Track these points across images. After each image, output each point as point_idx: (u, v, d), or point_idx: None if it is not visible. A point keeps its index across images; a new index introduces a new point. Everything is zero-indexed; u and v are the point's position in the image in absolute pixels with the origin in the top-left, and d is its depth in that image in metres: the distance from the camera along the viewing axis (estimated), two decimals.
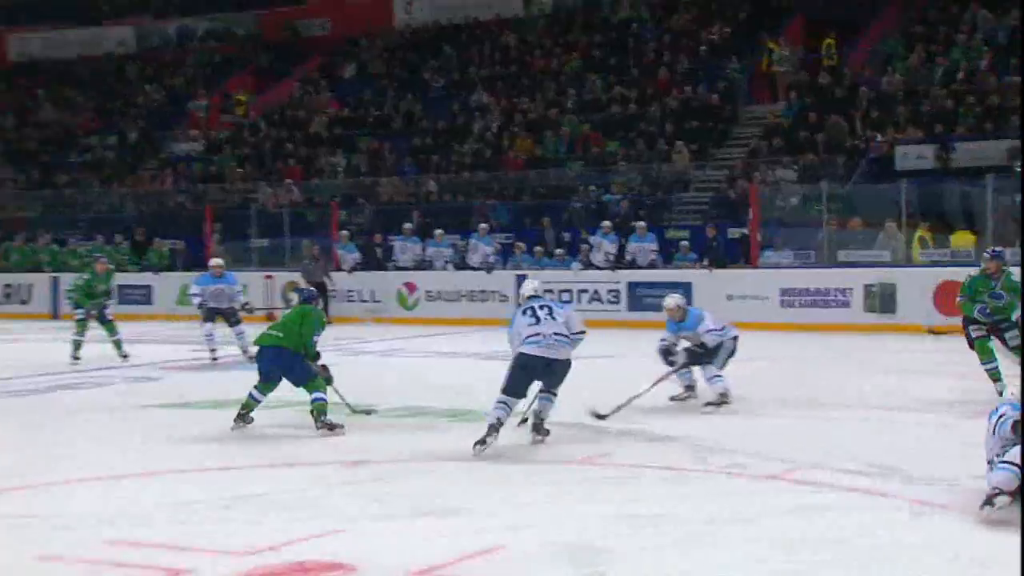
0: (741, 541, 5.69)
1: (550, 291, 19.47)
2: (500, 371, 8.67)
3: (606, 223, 20.32)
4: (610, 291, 19.36)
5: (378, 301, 21.02)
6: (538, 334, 8.41)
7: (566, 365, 8.52)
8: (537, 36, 29.51)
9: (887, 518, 6.12)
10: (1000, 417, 6.23)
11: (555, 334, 8.44)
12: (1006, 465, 5.95)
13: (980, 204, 17.48)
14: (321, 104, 29.65)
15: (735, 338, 10.24)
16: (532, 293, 8.94)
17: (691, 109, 24.18)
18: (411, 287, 20.81)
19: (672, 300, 10.39)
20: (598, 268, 19.88)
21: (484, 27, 30.89)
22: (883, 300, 16.82)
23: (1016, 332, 10.09)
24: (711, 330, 10.11)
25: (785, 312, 17.55)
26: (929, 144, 20.03)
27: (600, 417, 9.15)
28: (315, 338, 9.25)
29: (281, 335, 9.16)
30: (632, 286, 19.13)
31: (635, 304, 18.86)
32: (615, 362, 13.46)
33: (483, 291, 20.28)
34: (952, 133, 20.15)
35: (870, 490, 6.78)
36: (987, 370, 10.19)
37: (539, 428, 8.58)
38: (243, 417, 9.09)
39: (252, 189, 26.14)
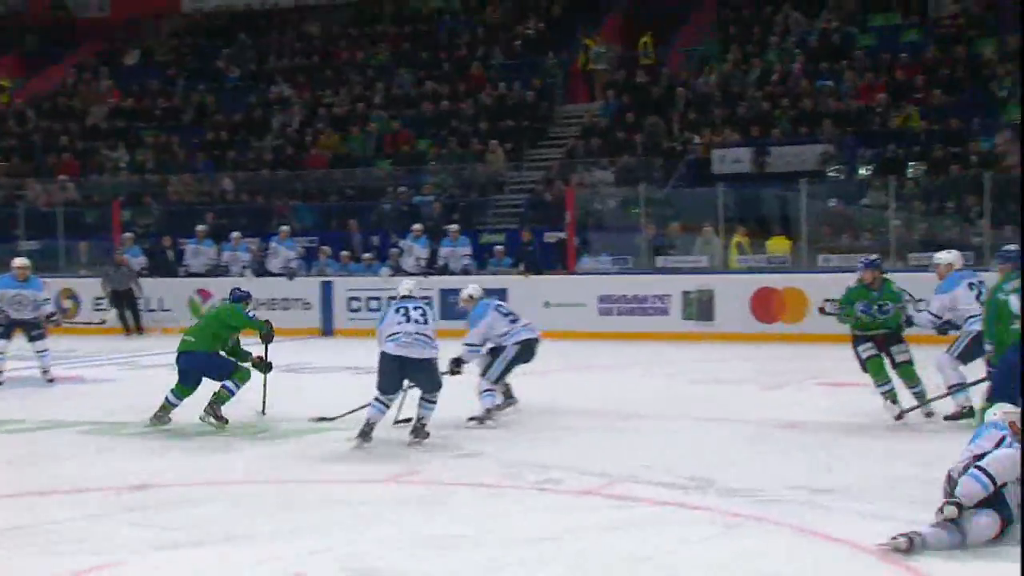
0: (554, 559, 5.79)
1: (357, 299, 19.65)
2: (304, 383, 8.61)
3: (417, 226, 20.28)
4: (422, 298, 19.21)
5: (167, 310, 20.38)
6: (398, 332, 8.96)
7: (427, 365, 8.98)
8: (342, 26, 29.30)
9: (701, 532, 6.34)
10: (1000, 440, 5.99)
11: (417, 333, 8.96)
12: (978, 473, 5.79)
13: (795, 209, 18.26)
14: (99, 93, 28.64)
15: (521, 343, 10.18)
16: (407, 293, 9.55)
17: (506, 107, 24.39)
18: (205, 294, 20.27)
19: (466, 291, 10.61)
20: (409, 274, 19.79)
21: (284, 14, 30.45)
22: (700, 307, 17.35)
23: (904, 347, 9.76)
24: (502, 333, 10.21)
25: (603, 320, 17.89)
26: (745, 147, 20.81)
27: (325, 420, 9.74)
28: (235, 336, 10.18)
29: (193, 340, 9.99)
30: (444, 293, 19.14)
31: (448, 312, 18.86)
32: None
33: (285, 299, 19.93)
34: (768, 136, 21.02)
35: (685, 504, 7.00)
36: (882, 392, 9.72)
37: (418, 432, 9.01)
38: (160, 418, 9.71)
39: (19, 185, 25.01)
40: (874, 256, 10.35)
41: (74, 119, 27.83)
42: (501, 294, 18.41)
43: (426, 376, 9.03)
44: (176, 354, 10.03)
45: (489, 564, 5.78)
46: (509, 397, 10.47)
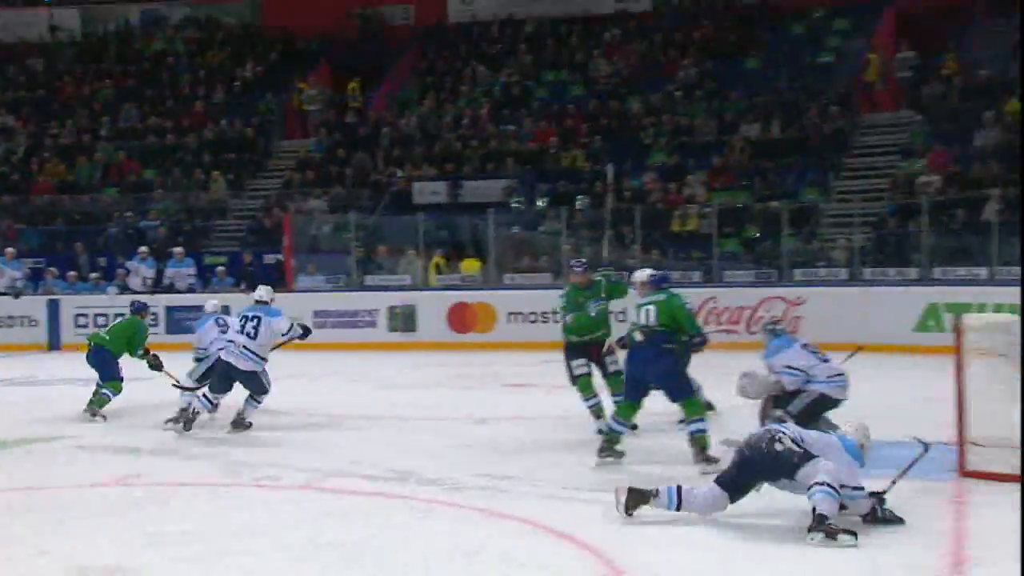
0: (270, 550, 5.65)
1: (84, 315, 18.57)
2: (32, 395, 8.00)
3: (143, 248, 19.50)
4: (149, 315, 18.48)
5: None
6: (233, 341, 9.36)
7: (252, 376, 9.29)
8: (66, 63, 27.62)
9: (402, 518, 6.35)
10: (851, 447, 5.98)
11: (245, 347, 9.24)
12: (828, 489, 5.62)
13: (484, 234, 18.69)
14: None
15: (221, 351, 9.61)
16: (259, 298, 9.75)
17: (227, 141, 23.82)
18: None
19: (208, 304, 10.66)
20: (136, 292, 18.94)
21: (7, 49, 28.33)
22: (405, 320, 17.48)
23: (615, 358, 8.93)
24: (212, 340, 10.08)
25: (319, 333, 17.63)
26: (442, 181, 21.18)
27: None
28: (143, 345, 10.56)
29: (108, 338, 10.53)
30: (170, 310, 18.48)
31: (173, 327, 18.24)
32: (152, 384, 12.86)
33: (11, 316, 18.59)
34: (460, 172, 21.45)
35: (387, 493, 7.00)
36: (589, 407, 8.97)
37: (238, 424, 9.29)
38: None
39: None
40: (583, 260, 9.70)
41: None
42: (225, 310, 17.97)
43: (252, 384, 9.34)
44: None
45: (208, 555, 5.57)
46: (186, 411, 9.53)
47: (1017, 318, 7.99)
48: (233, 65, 26.51)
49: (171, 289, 18.96)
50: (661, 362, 7.57)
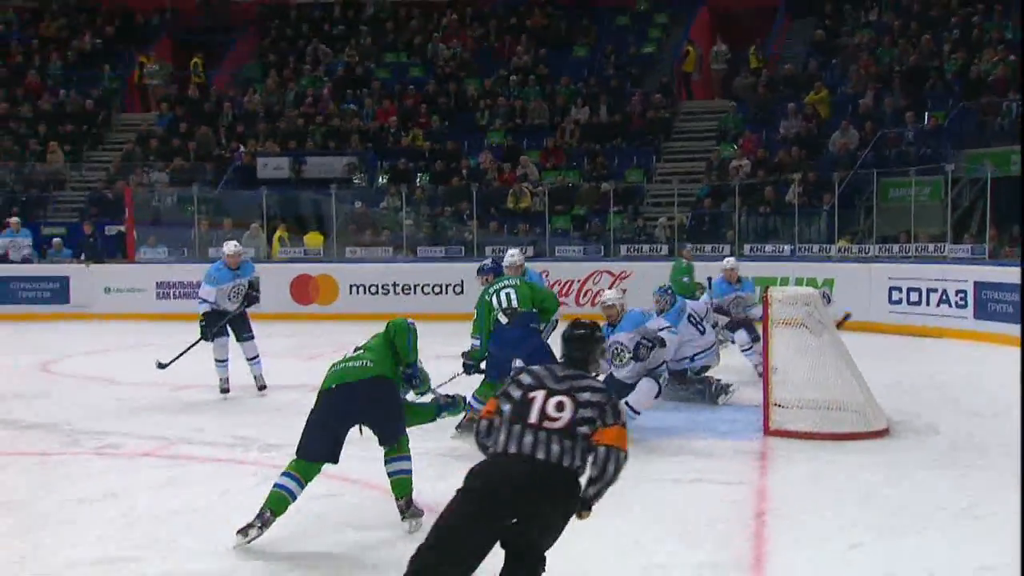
0: (110, 517, 5.42)
1: None
2: None
3: None
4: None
5: None
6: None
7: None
8: None
9: (244, 483, 6.19)
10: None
11: None
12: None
13: (327, 209, 18.37)
14: None
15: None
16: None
17: (65, 113, 22.58)
18: None
19: None
20: None
21: None
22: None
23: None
24: None
25: (161, 303, 17.07)
26: (285, 157, 20.68)
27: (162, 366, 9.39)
28: None
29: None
30: (6, 280, 17.50)
31: (9, 297, 17.29)
32: None
33: None
34: (303, 148, 20.98)
35: (232, 459, 6.82)
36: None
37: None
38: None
39: None
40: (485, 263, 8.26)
41: None
42: (64, 281, 17.18)
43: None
44: None
45: (38, 522, 5.30)
46: None
47: (815, 291, 8.42)
48: (69, 37, 25.10)
49: (6, 260, 17.94)
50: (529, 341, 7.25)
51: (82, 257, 17.96)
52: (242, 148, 21.14)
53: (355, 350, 5.51)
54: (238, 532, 4.96)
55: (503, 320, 7.43)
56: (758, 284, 11.73)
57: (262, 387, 9.68)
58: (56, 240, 18.44)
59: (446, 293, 16.52)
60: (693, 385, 8.90)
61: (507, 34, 23.60)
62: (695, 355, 8.95)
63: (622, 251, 17.26)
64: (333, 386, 5.27)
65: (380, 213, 19.08)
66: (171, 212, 19.49)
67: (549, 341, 7.35)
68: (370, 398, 5.26)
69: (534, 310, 7.46)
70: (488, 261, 8.21)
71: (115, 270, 17.62)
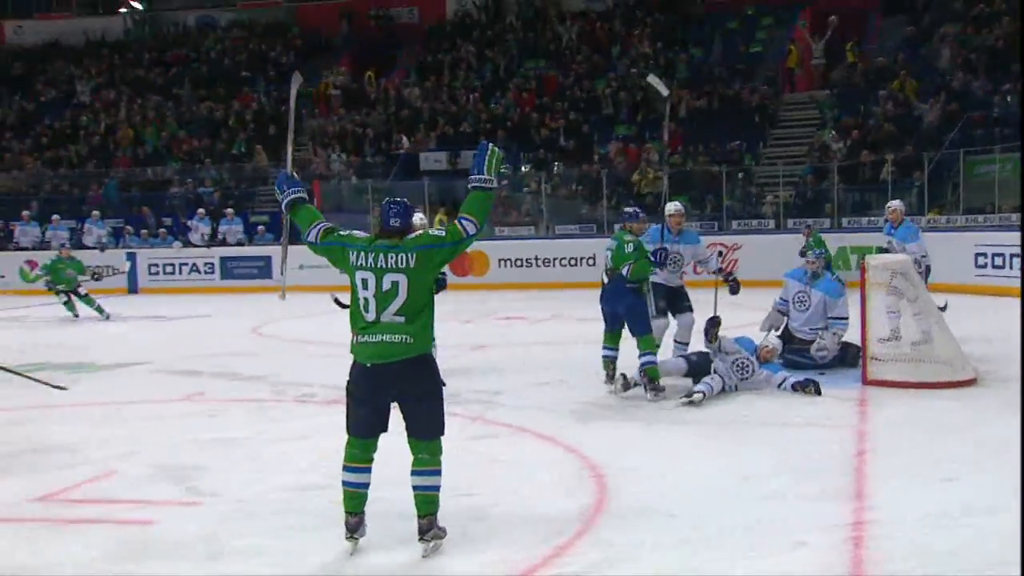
0: (309, 452, 5.65)
1: (155, 265, 18.52)
2: (117, 331, 7.94)
3: (201, 210, 19.47)
4: (206, 264, 18.57)
5: (1, 276, 18.59)
6: None
7: None
8: (138, 56, 27.15)
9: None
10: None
11: None
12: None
13: None
14: None
15: None
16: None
17: (265, 120, 23.37)
18: (32, 264, 18.47)
19: None
20: (196, 246, 18.96)
21: (92, 46, 27.80)
22: None
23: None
24: None
25: (343, 276, 17.59)
26: (442, 151, 20.95)
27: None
28: None
29: None
30: (224, 260, 18.53)
31: (227, 274, 18.31)
32: (211, 320, 12.92)
33: (98, 266, 18.44)
34: (458, 143, 21.17)
35: None
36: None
37: None
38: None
39: None
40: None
41: None
42: (267, 260, 18.01)
43: None
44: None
45: (253, 455, 5.59)
46: None
47: (907, 257, 8.04)
48: (266, 59, 25.96)
49: (223, 243, 18.94)
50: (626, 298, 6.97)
51: (280, 239, 18.72)
52: (404, 138, 21.36)
53: (379, 266, 3.88)
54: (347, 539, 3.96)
55: (604, 279, 7.20)
56: (855, 252, 11.27)
57: None
58: (260, 227, 19.29)
59: (580, 265, 16.51)
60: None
61: (631, 36, 23.22)
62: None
63: (734, 225, 16.86)
64: (368, 364, 3.91)
65: (523, 196, 19.17)
66: (351, 200, 20.10)
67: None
68: (410, 380, 3.90)
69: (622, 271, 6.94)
70: (628, 210, 7.47)
71: (307, 250, 18.24)
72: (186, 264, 18.60)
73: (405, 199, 4.03)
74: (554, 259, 16.77)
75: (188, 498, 4.78)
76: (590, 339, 7.94)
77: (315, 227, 4.12)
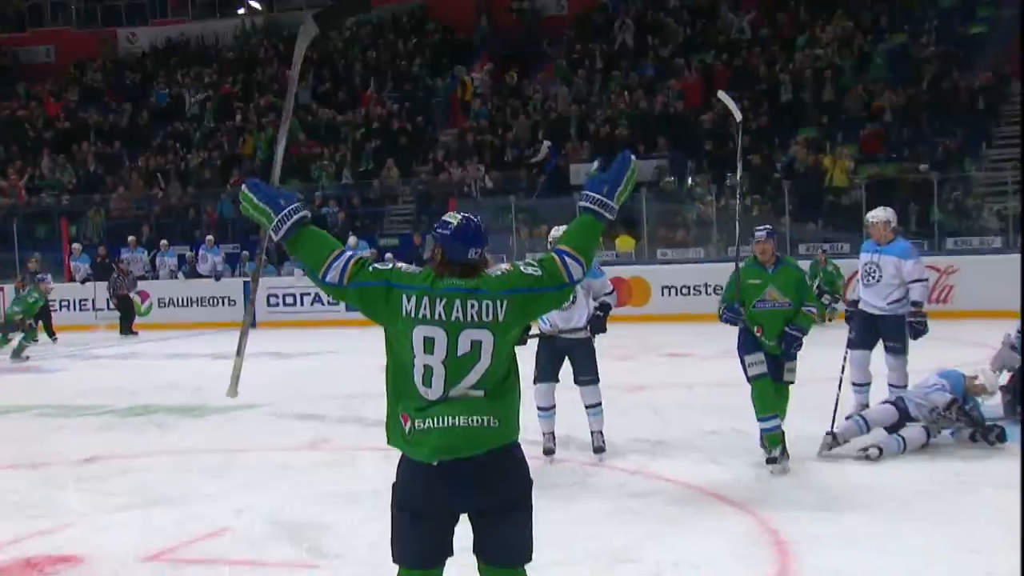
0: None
1: (275, 295, 19.34)
2: (227, 371, 8.28)
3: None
4: None
5: (113, 310, 19.72)
6: None
7: None
8: (254, 55, 28.71)
9: (565, 480, 6.34)
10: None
11: None
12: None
13: (638, 213, 18.48)
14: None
15: None
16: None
17: (395, 131, 23.94)
18: (143, 295, 19.73)
19: None
20: None
21: (207, 48, 29.69)
22: None
23: (794, 365, 6.50)
24: None
25: None
26: (595, 162, 20.88)
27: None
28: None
29: None
30: None
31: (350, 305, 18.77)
32: (336, 357, 13.39)
33: (213, 296, 19.56)
34: (612, 151, 21.07)
35: (547, 458, 6.99)
36: (764, 431, 6.37)
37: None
38: None
39: None
40: (770, 227, 6.88)
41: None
42: None
43: None
44: None
45: (383, 512, 5.63)
46: None
47: None
48: (397, 58, 26.78)
49: None
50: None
51: (412, 264, 19.13)
52: (546, 144, 21.32)
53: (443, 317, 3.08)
54: None
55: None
56: None
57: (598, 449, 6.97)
58: (388, 255, 19.78)
59: None
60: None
61: (818, 23, 22.71)
62: None
63: (948, 244, 16.10)
64: (434, 463, 3.10)
65: (690, 212, 18.95)
66: (492, 219, 20.36)
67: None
68: (496, 481, 3.11)
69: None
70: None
71: None
72: (308, 294, 19.27)
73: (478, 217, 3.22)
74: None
75: (309, 559, 4.94)
76: None
77: (336, 260, 3.16)
